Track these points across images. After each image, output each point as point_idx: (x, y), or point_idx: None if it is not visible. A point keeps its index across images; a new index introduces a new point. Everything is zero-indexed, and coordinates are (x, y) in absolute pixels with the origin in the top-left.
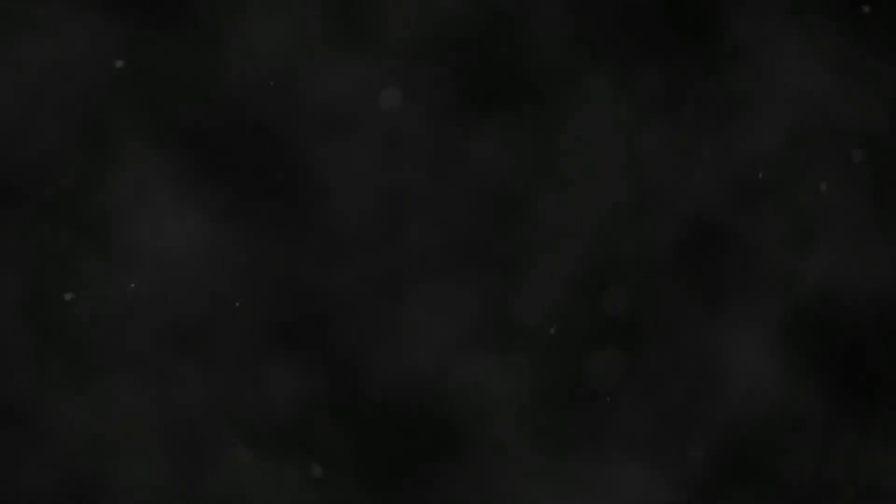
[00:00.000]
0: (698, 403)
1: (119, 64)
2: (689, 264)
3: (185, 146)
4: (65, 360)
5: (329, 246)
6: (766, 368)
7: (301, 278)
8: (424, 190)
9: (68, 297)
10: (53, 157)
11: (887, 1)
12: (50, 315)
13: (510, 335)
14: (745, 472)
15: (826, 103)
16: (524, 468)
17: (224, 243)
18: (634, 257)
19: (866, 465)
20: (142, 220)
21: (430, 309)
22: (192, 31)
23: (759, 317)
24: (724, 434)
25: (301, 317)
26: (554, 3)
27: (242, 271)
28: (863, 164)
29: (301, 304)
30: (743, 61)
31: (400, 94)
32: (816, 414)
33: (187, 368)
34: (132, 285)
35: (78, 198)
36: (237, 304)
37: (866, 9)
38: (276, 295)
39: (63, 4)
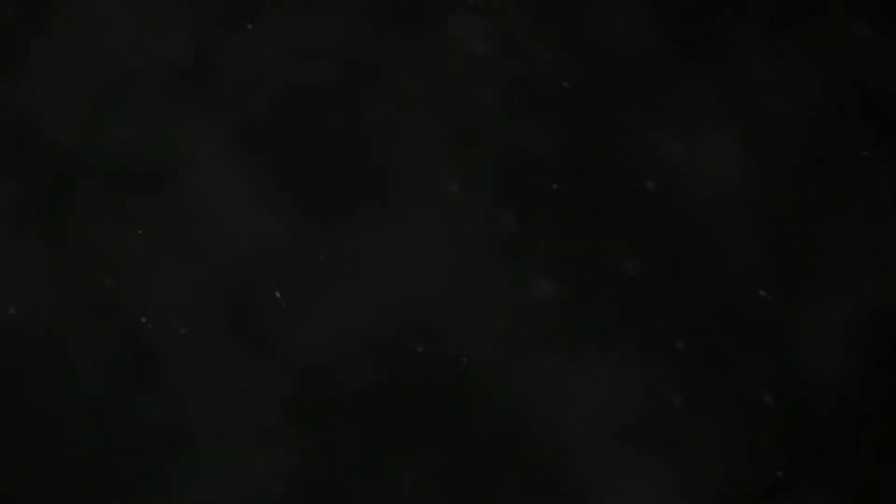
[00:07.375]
0: (776, 405)
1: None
2: (763, 268)
3: (259, 148)
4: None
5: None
6: (847, 371)
7: (374, 276)
8: (497, 194)
9: (140, 297)
10: (125, 156)
11: None
12: (121, 315)
13: (583, 335)
14: (820, 477)
15: None
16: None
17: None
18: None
19: None
20: (215, 220)
21: (508, 309)
22: (265, 30)
23: (836, 320)
24: (804, 439)
25: (372, 317)
26: None
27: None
28: None
29: (373, 304)
30: None
31: (472, 95)
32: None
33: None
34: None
35: (152, 198)
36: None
37: None
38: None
39: (132, 3)
